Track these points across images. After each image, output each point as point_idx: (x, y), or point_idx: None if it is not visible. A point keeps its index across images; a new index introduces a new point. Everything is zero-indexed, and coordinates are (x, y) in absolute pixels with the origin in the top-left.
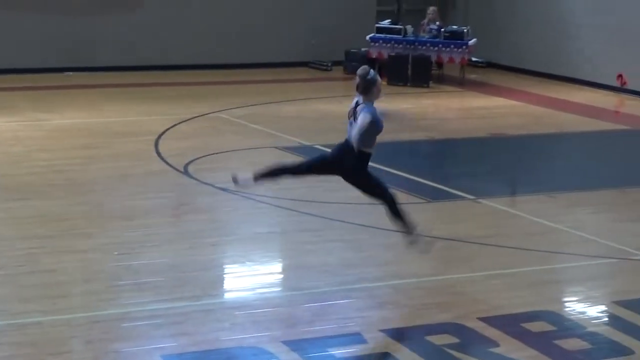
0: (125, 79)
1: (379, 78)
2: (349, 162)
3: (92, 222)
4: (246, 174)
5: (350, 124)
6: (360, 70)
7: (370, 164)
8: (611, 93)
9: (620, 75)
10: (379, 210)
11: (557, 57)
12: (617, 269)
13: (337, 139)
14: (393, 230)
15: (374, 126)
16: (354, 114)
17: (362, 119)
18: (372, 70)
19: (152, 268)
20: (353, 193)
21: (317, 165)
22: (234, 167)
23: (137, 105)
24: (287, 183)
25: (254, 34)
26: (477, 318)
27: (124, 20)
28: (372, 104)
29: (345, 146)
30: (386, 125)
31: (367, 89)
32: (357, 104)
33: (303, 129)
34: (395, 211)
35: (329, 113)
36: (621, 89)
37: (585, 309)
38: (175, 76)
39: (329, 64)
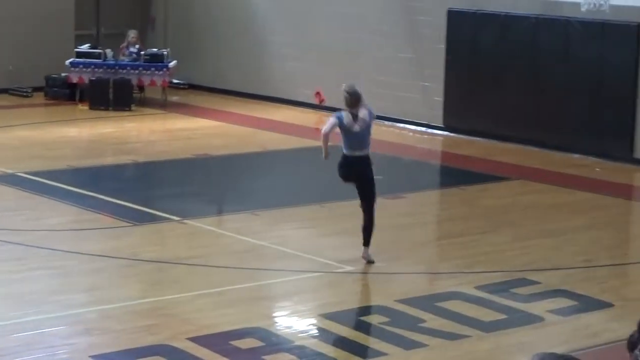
0: None
1: None
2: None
3: None
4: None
5: (353, 131)
6: (348, 88)
7: (69, 188)
8: (310, 110)
9: (318, 93)
10: (83, 236)
11: (257, 77)
12: (321, 282)
13: (39, 166)
14: (98, 255)
15: None
16: (354, 120)
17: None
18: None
19: None
20: (55, 220)
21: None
22: None
23: None
24: None
25: None
26: (187, 338)
27: None
28: None
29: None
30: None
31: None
32: (353, 115)
33: (4, 157)
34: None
35: (30, 140)
36: (319, 106)
37: (293, 323)
38: None
39: (29, 90)
